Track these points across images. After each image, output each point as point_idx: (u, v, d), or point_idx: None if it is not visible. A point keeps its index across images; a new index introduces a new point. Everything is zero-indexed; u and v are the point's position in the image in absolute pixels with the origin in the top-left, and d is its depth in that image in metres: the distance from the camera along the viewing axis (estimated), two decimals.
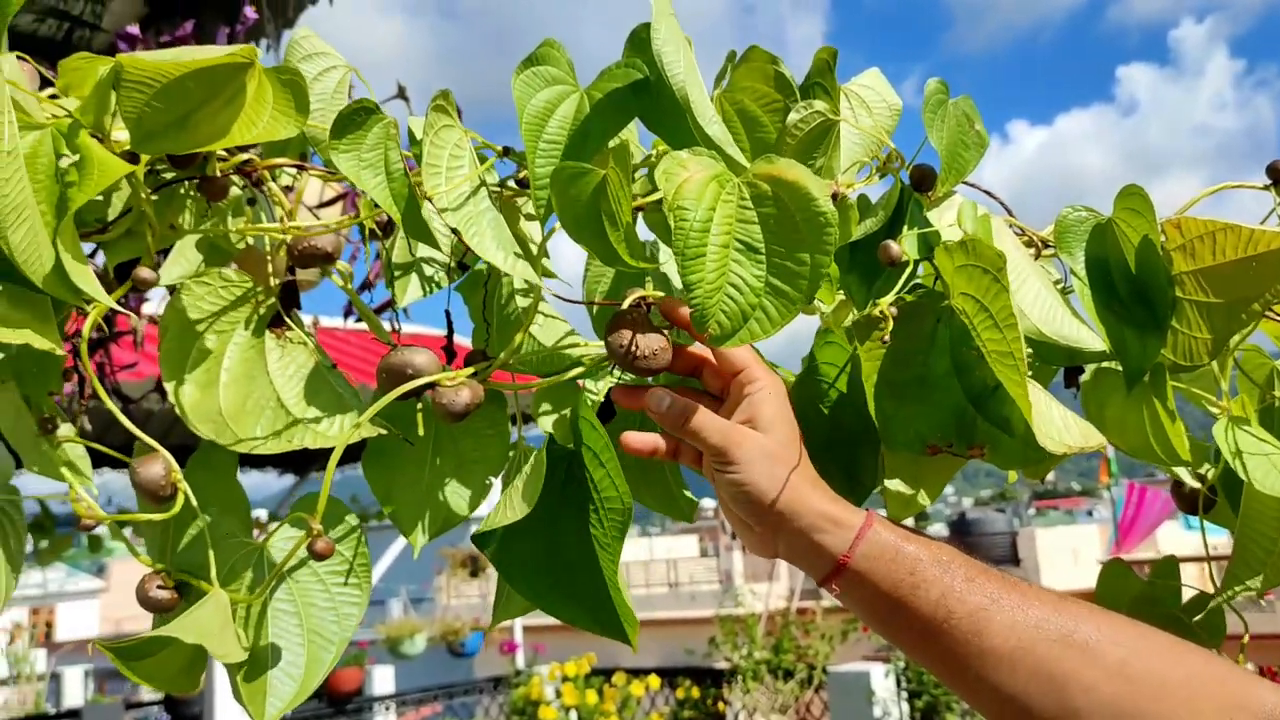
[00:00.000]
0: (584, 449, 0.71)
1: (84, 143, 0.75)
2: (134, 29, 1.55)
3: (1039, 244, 0.85)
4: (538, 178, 0.77)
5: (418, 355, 0.78)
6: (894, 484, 0.84)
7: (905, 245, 0.79)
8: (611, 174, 0.72)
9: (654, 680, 6.91)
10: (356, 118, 0.73)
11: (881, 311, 0.74)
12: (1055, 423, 0.75)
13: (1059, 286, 0.86)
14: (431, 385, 0.77)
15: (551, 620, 0.80)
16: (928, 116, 0.82)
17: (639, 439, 0.75)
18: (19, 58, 0.80)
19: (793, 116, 0.81)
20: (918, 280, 0.83)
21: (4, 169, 0.68)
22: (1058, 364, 0.84)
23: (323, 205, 1.40)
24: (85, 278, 0.74)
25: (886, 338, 0.73)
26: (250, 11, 1.55)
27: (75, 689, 12.37)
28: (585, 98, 0.79)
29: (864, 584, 0.72)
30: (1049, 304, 0.79)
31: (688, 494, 0.87)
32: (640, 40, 0.79)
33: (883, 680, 6.12)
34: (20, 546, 0.88)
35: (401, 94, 1.61)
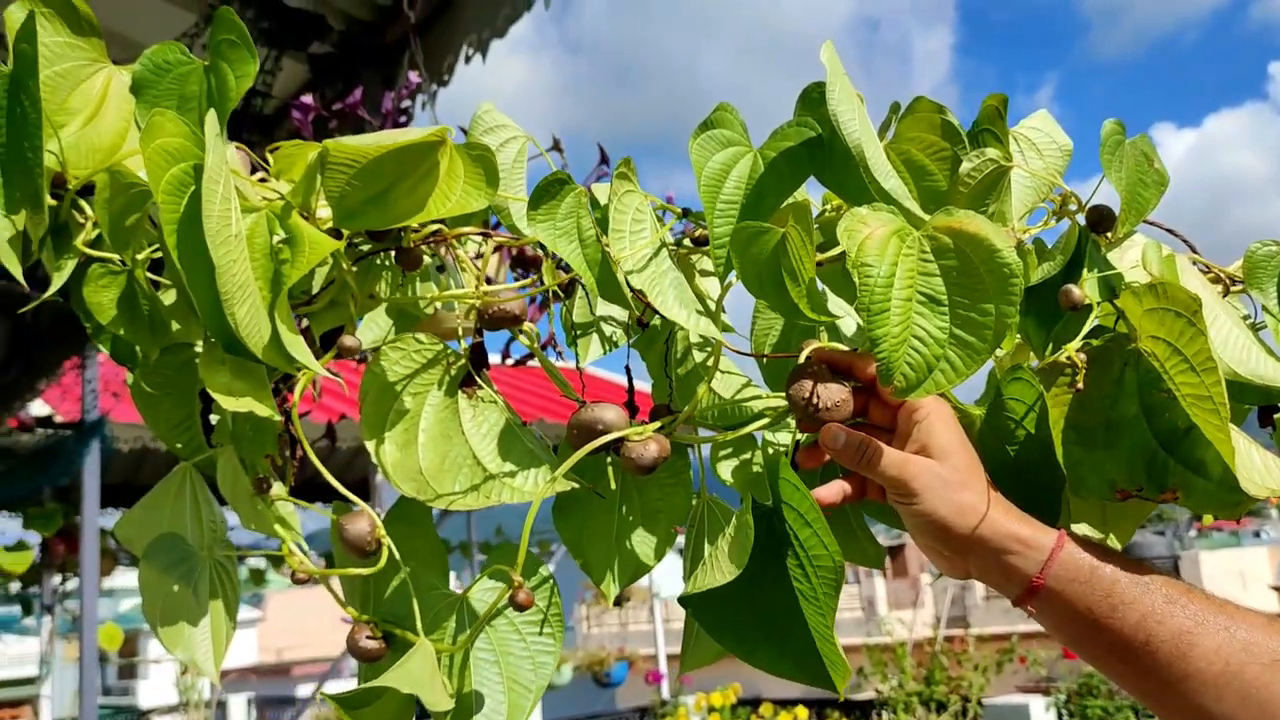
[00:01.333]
0: (785, 507, 0.73)
1: (295, 223, 0.81)
2: (307, 98, 1.65)
3: (1226, 280, 0.84)
4: (717, 237, 0.80)
5: (607, 411, 0.81)
6: (1081, 528, 0.83)
7: (1087, 289, 0.78)
8: (792, 232, 0.74)
9: (801, 711, 6.82)
10: (551, 189, 0.76)
11: (1069, 357, 0.74)
12: (1256, 465, 0.73)
13: (1248, 323, 0.84)
14: (620, 440, 0.80)
15: None
16: (1106, 157, 0.82)
17: (828, 491, 0.76)
18: (237, 147, 0.87)
19: (965, 165, 0.81)
20: (1096, 321, 0.82)
21: (231, 251, 0.74)
22: (1252, 403, 0.82)
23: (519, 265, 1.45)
24: (299, 347, 0.80)
25: (1080, 385, 0.72)
26: (414, 76, 1.64)
27: (239, 716, 12.92)
28: (759, 157, 0.81)
29: (1059, 605, 0.71)
30: (1242, 343, 0.77)
31: (876, 541, 0.88)
32: (812, 99, 0.81)
33: (1042, 713, 5.91)
34: (236, 596, 0.94)
35: (556, 146, 1.67)
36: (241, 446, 0.91)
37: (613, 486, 0.82)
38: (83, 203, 0.87)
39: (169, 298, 0.92)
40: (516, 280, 1.09)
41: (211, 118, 0.75)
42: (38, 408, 5.89)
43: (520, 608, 0.77)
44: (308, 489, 0.89)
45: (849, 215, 0.72)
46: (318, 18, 2.27)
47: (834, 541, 0.70)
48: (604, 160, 1.94)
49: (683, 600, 0.79)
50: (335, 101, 2.41)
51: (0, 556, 7.71)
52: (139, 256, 0.86)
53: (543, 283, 0.90)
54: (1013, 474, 0.81)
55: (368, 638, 0.84)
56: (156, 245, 0.88)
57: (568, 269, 0.93)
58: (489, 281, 0.91)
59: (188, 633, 0.89)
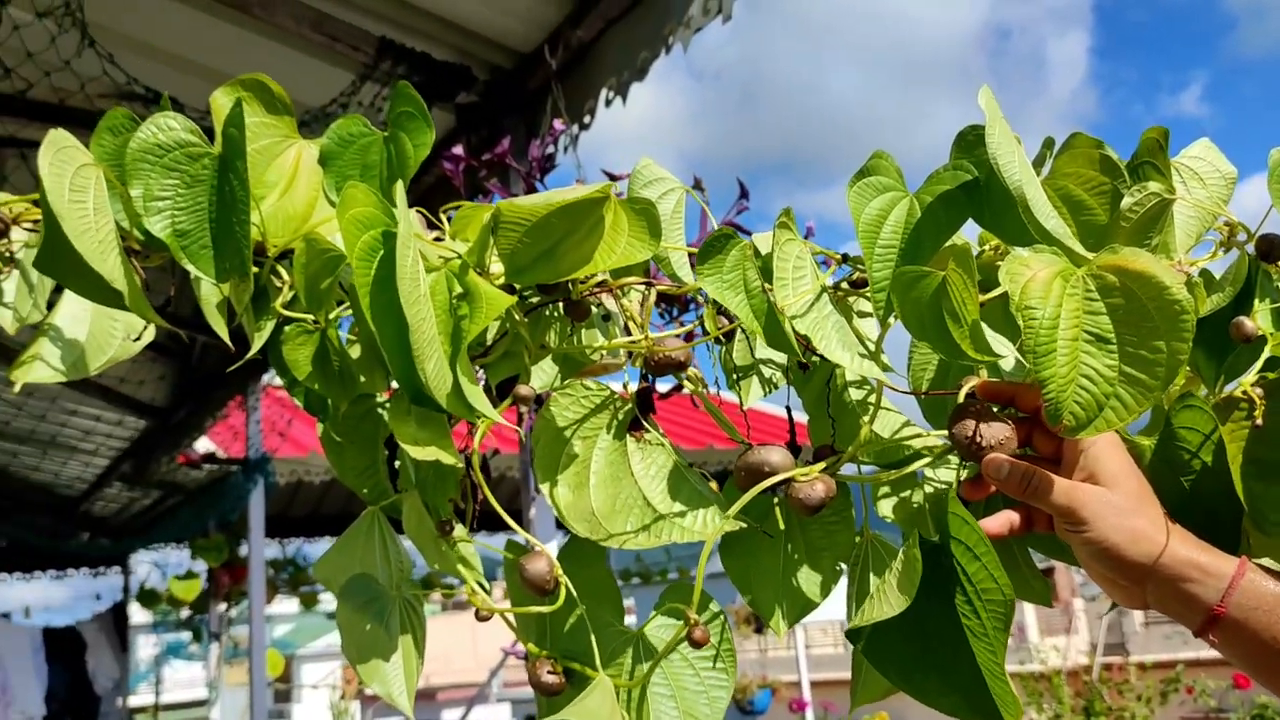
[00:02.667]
0: (954, 542, 0.74)
1: (473, 280, 0.86)
2: (458, 149, 1.72)
3: None
4: (876, 281, 0.82)
5: (773, 454, 0.83)
6: (1265, 563, 0.81)
7: (1259, 320, 0.77)
8: (953, 275, 0.76)
9: None
10: (717, 244, 0.80)
11: (1245, 391, 0.73)
12: None
13: None
14: (787, 480, 0.83)
15: (843, 676, 0.83)
16: (1274, 186, 0.81)
17: (995, 522, 0.77)
18: (416, 210, 0.93)
19: (1127, 200, 0.81)
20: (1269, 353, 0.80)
21: (421, 310, 0.79)
22: None
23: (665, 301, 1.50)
24: (479, 398, 0.85)
25: (1259, 420, 0.72)
26: (558, 124, 1.70)
27: None
28: (915, 202, 0.83)
29: (1242, 634, 0.70)
30: None
31: (1041, 575, 0.88)
32: (967, 141, 0.83)
33: None
34: (423, 632, 1.00)
35: (698, 185, 1.71)
36: (425, 491, 0.97)
37: (781, 527, 0.84)
38: (280, 268, 0.95)
39: (354, 352, 0.99)
40: (663, 317, 1.13)
41: (400, 190, 0.81)
42: (203, 445, 6.22)
43: (697, 645, 0.80)
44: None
45: (1011, 259, 0.73)
46: (464, 69, 2.37)
47: (1004, 575, 0.71)
48: (744, 195, 1.97)
49: (850, 634, 0.80)
50: (481, 148, 2.51)
51: (172, 585, 8.16)
52: (331, 316, 0.93)
53: (704, 329, 0.93)
54: (1188, 505, 0.80)
55: (549, 672, 0.88)
56: (344, 305, 0.95)
57: (728, 315, 0.96)
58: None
59: (382, 668, 0.94)
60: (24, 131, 2.32)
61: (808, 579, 0.89)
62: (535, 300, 0.95)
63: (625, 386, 0.93)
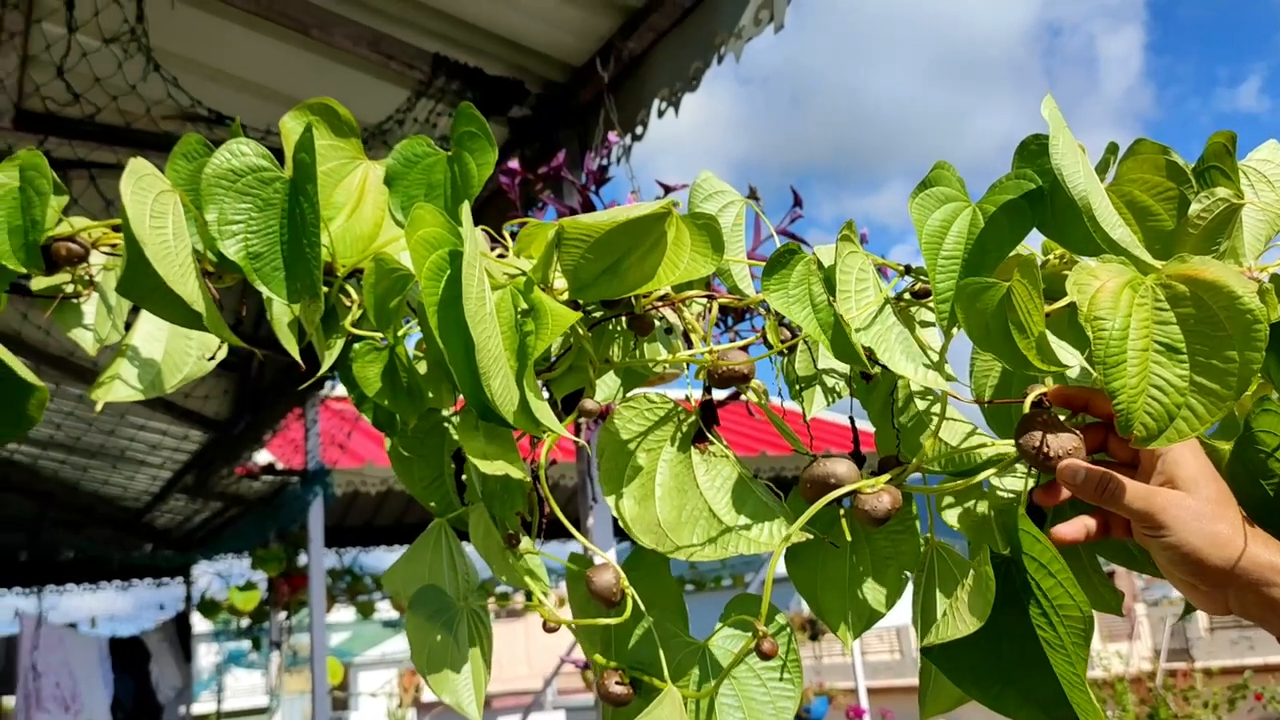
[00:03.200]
0: (1026, 558, 0.74)
1: (538, 297, 0.87)
2: (514, 163, 1.74)
3: None
4: (940, 292, 0.82)
5: (838, 465, 0.84)
6: None
7: None
8: (1018, 285, 0.75)
9: None
10: (782, 259, 0.81)
11: None
12: None
13: None
14: (853, 491, 0.83)
15: (899, 683, 0.83)
16: None
17: (1070, 528, 0.76)
18: (482, 230, 0.95)
19: (1195, 207, 0.81)
20: None
21: (487, 329, 0.81)
22: None
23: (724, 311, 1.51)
24: (545, 413, 0.86)
25: None
26: (613, 136, 1.72)
27: None
28: (978, 212, 0.83)
29: None
30: None
31: (1111, 586, 0.87)
32: (1029, 151, 0.83)
33: None
34: (490, 642, 1.01)
35: (753, 194, 1.71)
36: (492, 504, 0.98)
37: (848, 538, 0.85)
38: (349, 287, 0.97)
39: (421, 368, 1.00)
40: (715, 326, 1.14)
41: (466, 210, 0.83)
42: (262, 457, 6.33)
43: (765, 657, 0.80)
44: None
45: (1078, 269, 0.73)
46: (516, 83, 2.39)
47: (1080, 592, 0.70)
48: (797, 203, 1.97)
49: (924, 651, 0.81)
50: (534, 161, 2.54)
51: (233, 595, 8.30)
52: (399, 334, 0.94)
53: (765, 341, 0.94)
54: (1268, 509, 0.79)
55: (616, 683, 0.89)
56: (412, 322, 0.97)
57: (790, 327, 0.97)
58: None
59: (452, 677, 0.96)
60: (93, 154, 2.39)
61: (873, 589, 0.89)
62: (598, 315, 0.96)
63: (689, 399, 0.93)
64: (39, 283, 1.04)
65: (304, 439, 4.87)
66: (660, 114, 2.19)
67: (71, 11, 2.03)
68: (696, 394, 0.94)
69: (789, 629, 0.88)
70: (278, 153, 0.93)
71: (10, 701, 7.52)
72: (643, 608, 0.90)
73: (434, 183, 0.99)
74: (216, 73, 2.49)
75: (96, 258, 1.05)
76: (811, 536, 0.85)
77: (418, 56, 2.33)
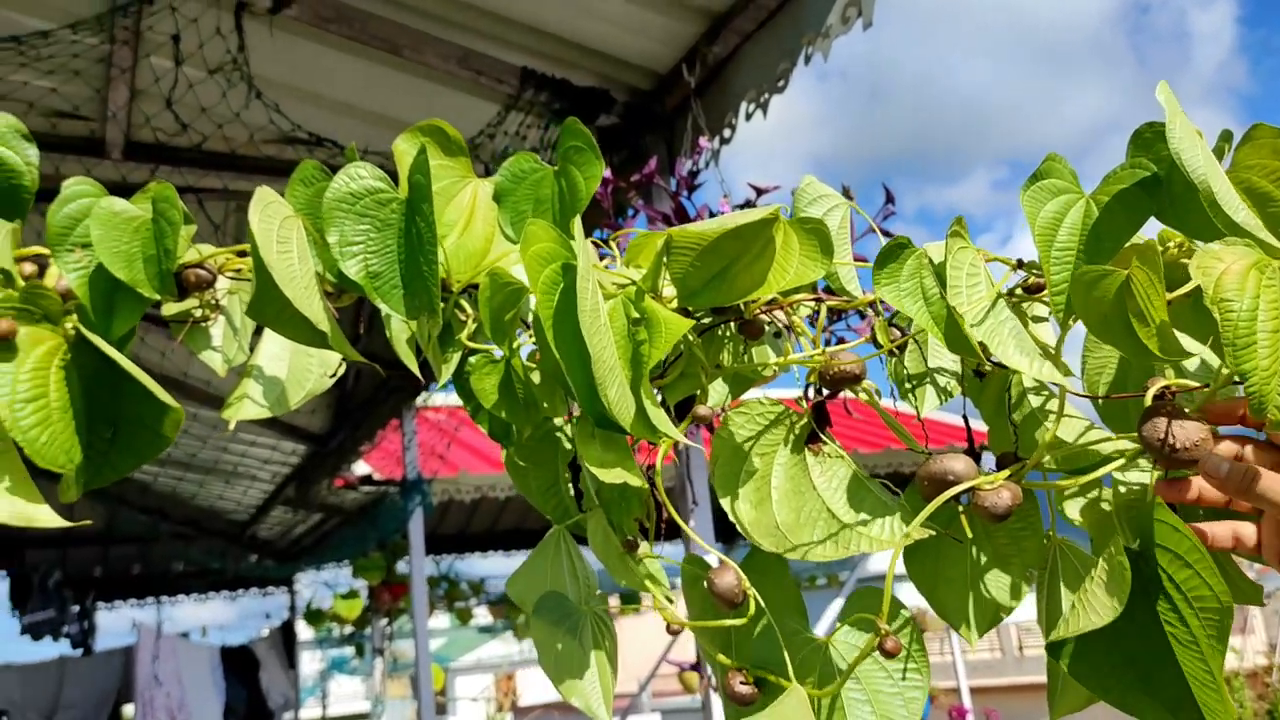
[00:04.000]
0: (1159, 550, 0.73)
1: (649, 306, 0.89)
2: (605, 172, 1.77)
3: None
4: (1055, 284, 0.82)
5: (955, 462, 0.84)
6: None
7: None
8: (1137, 273, 0.75)
9: None
10: (893, 253, 0.81)
11: None
12: None
13: None
14: (971, 488, 0.83)
15: (1000, 681, 0.82)
16: None
17: (1220, 531, 0.75)
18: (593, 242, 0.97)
19: None
20: None
21: (602, 339, 0.83)
22: None
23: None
24: (662, 419, 0.87)
25: None
26: (704, 142, 1.74)
27: None
28: (1092, 203, 0.82)
29: None
30: None
31: (1247, 578, 0.86)
32: (1144, 139, 0.82)
33: None
34: (615, 646, 1.03)
35: (846, 194, 1.71)
36: (609, 510, 1.00)
37: (968, 534, 0.85)
38: (463, 302, 1.00)
39: (535, 379, 1.03)
40: (813, 326, 1.14)
41: (578, 224, 0.85)
42: (359, 468, 6.48)
43: (889, 655, 0.81)
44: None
45: (1202, 253, 0.72)
46: (603, 92, 2.42)
47: (1221, 582, 0.69)
48: (889, 200, 1.96)
49: (1050, 647, 0.80)
50: (622, 168, 2.56)
51: (336, 603, 8.51)
52: (514, 346, 0.97)
53: (875, 342, 0.94)
54: None
55: (741, 683, 0.91)
56: (525, 334, 0.99)
57: (899, 326, 0.97)
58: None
59: (579, 681, 0.98)
60: (201, 181, 2.49)
61: (997, 585, 0.89)
62: (707, 321, 0.98)
63: (801, 401, 0.94)
64: (169, 308, 1.09)
65: (402, 450, 4.98)
66: (748, 117, 2.19)
67: (178, 45, 2.11)
68: (796, 395, 0.95)
69: (913, 622, 0.88)
70: (393, 175, 0.96)
71: (129, 710, 7.81)
72: (764, 607, 0.91)
73: (541, 197, 1.01)
74: (312, 96, 2.57)
75: (222, 282, 1.09)
76: (932, 534, 0.85)
77: (506, 71, 2.37)
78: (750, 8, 2.15)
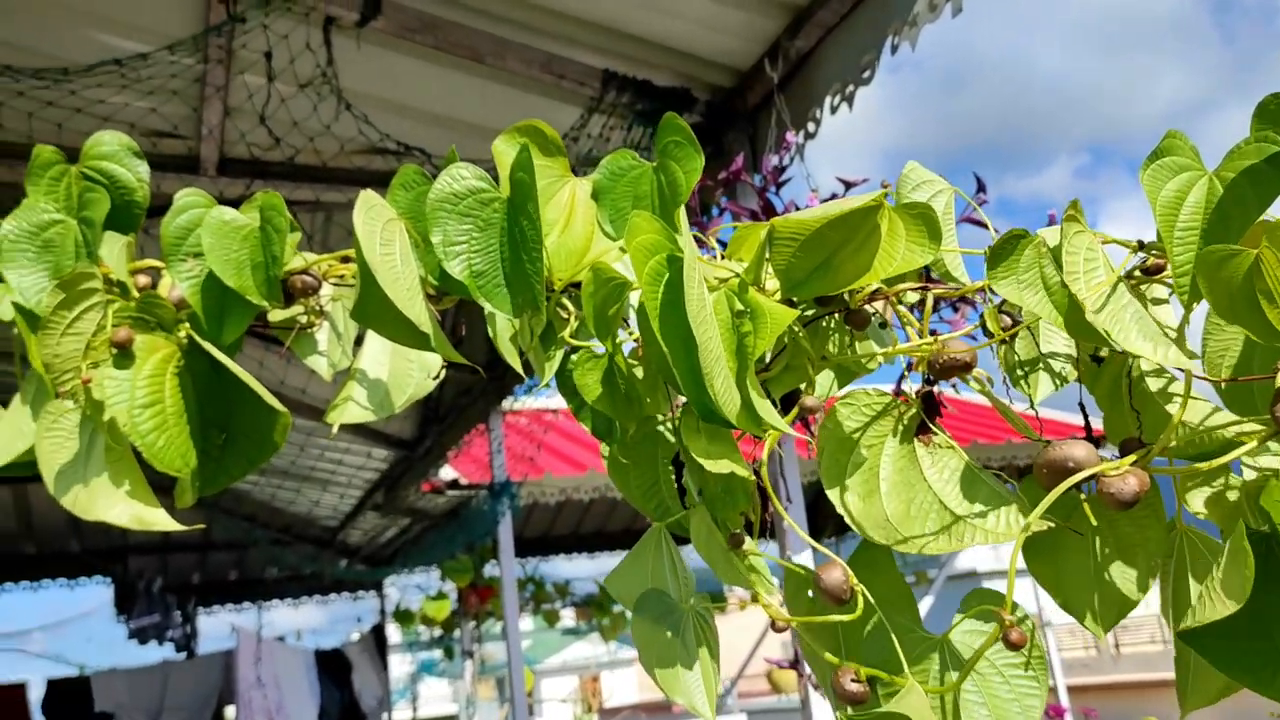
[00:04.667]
0: None
1: (753, 298, 0.88)
2: None
3: None
4: (1178, 265, 0.79)
5: (1076, 449, 0.81)
6: None
7: None
8: (1267, 253, 0.72)
9: None
10: (1008, 246, 0.79)
11: None
12: None
13: None
14: (1093, 476, 0.80)
15: (1096, 680, 0.79)
16: None
17: None
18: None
19: None
20: None
21: (709, 330, 0.82)
22: None
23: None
24: (769, 411, 0.87)
25: None
26: (791, 137, 1.72)
27: None
28: (1215, 180, 0.80)
29: None
30: None
31: None
32: (1269, 112, 0.78)
33: None
34: (717, 644, 1.02)
35: (885, 188, 1.68)
36: (714, 506, 0.99)
37: (1093, 523, 0.82)
38: (564, 300, 1.00)
39: (637, 374, 1.03)
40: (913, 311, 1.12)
41: (682, 216, 0.85)
42: (445, 473, 6.57)
43: (1014, 647, 0.78)
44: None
45: None
46: (684, 91, 2.42)
47: None
48: (981, 188, 1.93)
49: (1181, 635, 0.77)
50: (705, 166, 2.56)
51: (425, 605, 8.63)
52: (618, 341, 0.97)
53: (986, 331, 0.92)
54: None
55: (852, 680, 0.89)
56: (626, 331, 0.99)
57: (1009, 313, 0.95)
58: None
59: (683, 678, 0.97)
60: (294, 193, 2.54)
61: (1123, 576, 0.86)
62: (811, 313, 0.96)
63: (909, 391, 0.92)
64: (275, 315, 1.11)
65: (490, 455, 5.03)
66: (833, 110, 2.17)
67: (270, 62, 2.16)
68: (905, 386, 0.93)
69: (1032, 622, 0.85)
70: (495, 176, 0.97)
71: (231, 712, 8.02)
72: (873, 603, 0.89)
73: (640, 194, 1.01)
74: (397, 105, 2.61)
75: (326, 289, 1.11)
76: (1050, 525, 0.83)
77: (588, 74, 2.38)
78: (834, 0, 2.13)
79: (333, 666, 8.74)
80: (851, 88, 2.12)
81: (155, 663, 8.63)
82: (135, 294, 1.10)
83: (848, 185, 1.80)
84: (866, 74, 2.05)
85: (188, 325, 1.08)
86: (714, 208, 2.22)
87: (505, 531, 5.19)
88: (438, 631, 9.50)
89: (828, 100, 2.19)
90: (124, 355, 1.02)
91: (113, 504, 1.02)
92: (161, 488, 1.01)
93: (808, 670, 2.18)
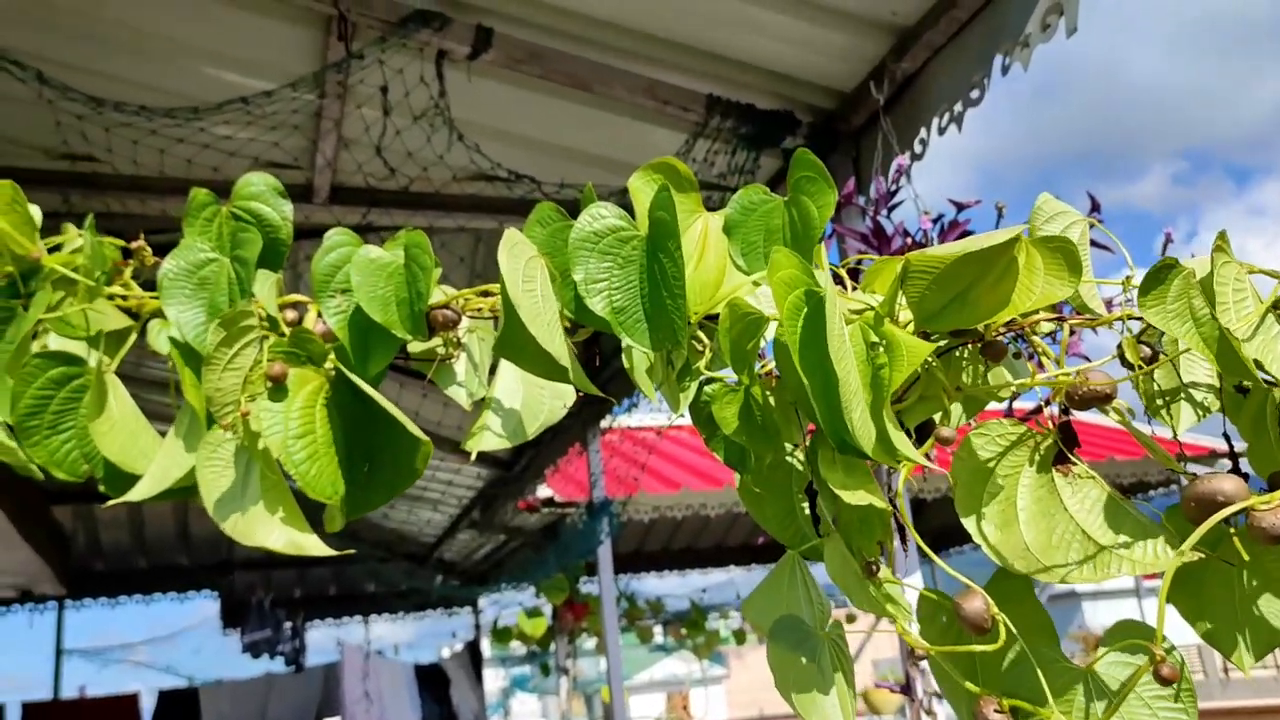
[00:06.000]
0: None
1: (889, 331, 0.89)
2: None
3: None
4: None
5: (1225, 482, 0.81)
6: None
7: None
8: None
9: None
10: (1160, 275, 0.79)
11: None
12: None
13: None
14: (1242, 509, 0.80)
15: (1208, 705, 0.76)
16: None
17: None
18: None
19: None
20: None
21: (848, 364, 0.84)
22: None
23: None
24: (904, 443, 0.88)
25: None
26: (902, 160, 1.72)
27: None
28: None
29: None
30: None
31: None
32: None
33: None
34: (852, 670, 1.03)
35: (999, 211, 1.67)
36: (849, 535, 1.00)
37: (1245, 557, 0.81)
38: (699, 332, 1.02)
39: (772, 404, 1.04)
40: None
41: (822, 252, 0.87)
42: (541, 491, 6.65)
43: (1165, 682, 0.78)
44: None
45: None
46: (787, 114, 2.44)
47: None
48: (1095, 208, 1.90)
49: None
50: None
51: (521, 621, 8.73)
52: (754, 374, 0.99)
53: (1125, 362, 0.92)
54: None
55: (995, 711, 0.89)
56: (762, 362, 1.01)
57: (1149, 343, 0.94)
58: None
59: (820, 702, 0.98)
60: (409, 220, 2.62)
61: (1270, 608, 0.85)
62: (943, 344, 0.97)
63: (1044, 421, 0.93)
64: (415, 347, 1.16)
65: (589, 474, 5.08)
66: (941, 131, 2.16)
67: (385, 95, 2.24)
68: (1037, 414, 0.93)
69: (1180, 654, 0.85)
70: (631, 212, 1.00)
71: None
72: (1015, 633, 0.90)
73: (772, 228, 1.03)
74: (505, 134, 2.67)
75: (464, 322, 1.15)
76: (1200, 557, 0.83)
77: (692, 99, 2.42)
78: (941, 21, 2.12)
79: (432, 681, 8.88)
80: (960, 108, 2.11)
81: (259, 675, 8.87)
82: (285, 329, 1.15)
83: (960, 207, 1.80)
84: (976, 94, 2.04)
85: (335, 358, 1.12)
86: (825, 230, 2.22)
87: (604, 550, 5.23)
88: (530, 648, 9.59)
89: (935, 122, 2.18)
90: (278, 389, 1.07)
91: (270, 530, 1.07)
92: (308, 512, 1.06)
93: (920, 696, 2.17)
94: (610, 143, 2.57)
